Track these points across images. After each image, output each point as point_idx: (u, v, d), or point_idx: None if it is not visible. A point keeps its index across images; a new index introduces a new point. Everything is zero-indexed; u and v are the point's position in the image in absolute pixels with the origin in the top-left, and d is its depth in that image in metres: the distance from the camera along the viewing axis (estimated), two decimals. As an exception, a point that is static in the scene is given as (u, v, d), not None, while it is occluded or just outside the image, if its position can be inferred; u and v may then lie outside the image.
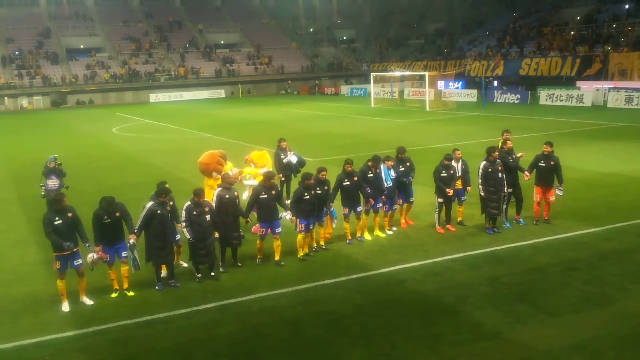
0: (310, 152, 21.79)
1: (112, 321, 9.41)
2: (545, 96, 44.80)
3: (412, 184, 13.50)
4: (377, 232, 13.20)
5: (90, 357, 8.37)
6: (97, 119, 48.35)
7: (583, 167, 18.88)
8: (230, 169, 13.55)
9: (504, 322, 8.71)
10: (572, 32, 55.42)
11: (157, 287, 10.58)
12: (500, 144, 14.41)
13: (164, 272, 10.78)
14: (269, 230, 11.57)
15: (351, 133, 31.74)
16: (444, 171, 13.05)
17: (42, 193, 15.16)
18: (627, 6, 54.77)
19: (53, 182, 15.21)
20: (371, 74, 56.51)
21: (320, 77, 75.53)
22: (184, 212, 10.79)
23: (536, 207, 13.42)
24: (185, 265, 11.48)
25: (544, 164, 13.10)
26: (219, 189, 11.47)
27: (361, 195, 12.68)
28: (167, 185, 11.06)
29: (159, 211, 10.39)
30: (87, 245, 10.06)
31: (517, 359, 7.72)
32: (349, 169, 12.38)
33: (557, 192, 13.25)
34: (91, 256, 10.06)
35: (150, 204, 10.51)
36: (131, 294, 10.38)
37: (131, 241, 10.28)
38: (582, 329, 8.45)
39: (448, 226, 13.40)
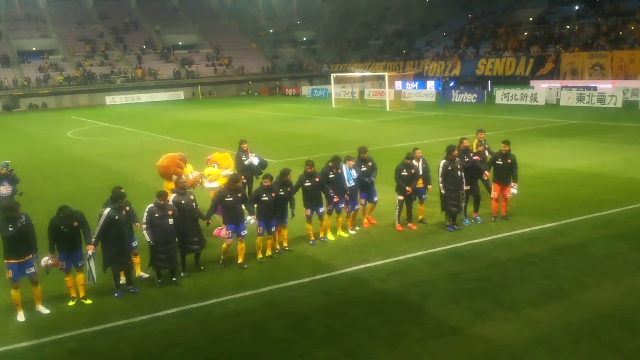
0: (272, 153, 21.70)
1: (70, 330, 9.22)
2: (500, 95, 45.61)
3: (374, 183, 13.57)
4: (340, 232, 13.22)
5: (46, 367, 8.19)
6: (51, 122, 47.30)
7: (538, 164, 19.31)
8: (190, 171, 13.43)
9: (465, 318, 8.83)
10: (525, 33, 56.60)
11: (116, 294, 10.39)
12: (475, 144, 14.67)
13: (122, 279, 10.61)
14: (234, 232, 11.51)
15: (313, 134, 31.78)
16: (404, 170, 13.18)
17: None
18: (577, 7, 56.23)
19: (5, 189, 14.97)
20: (332, 74, 56.66)
21: (281, 78, 75.43)
22: (145, 214, 10.64)
23: (494, 203, 13.63)
24: (146, 275, 11.22)
25: (501, 162, 13.32)
26: (174, 195, 11.31)
27: (323, 196, 12.69)
28: (122, 190, 10.87)
29: (116, 217, 10.23)
30: (34, 256, 9.78)
31: (478, 354, 7.82)
32: (310, 170, 12.40)
33: (512, 190, 13.48)
34: (45, 260, 9.87)
35: (107, 210, 10.29)
36: (89, 301, 10.19)
37: (90, 252, 10.05)
38: (539, 322, 8.59)
39: (409, 224, 13.53)
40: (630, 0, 51.64)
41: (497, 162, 13.38)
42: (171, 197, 11.31)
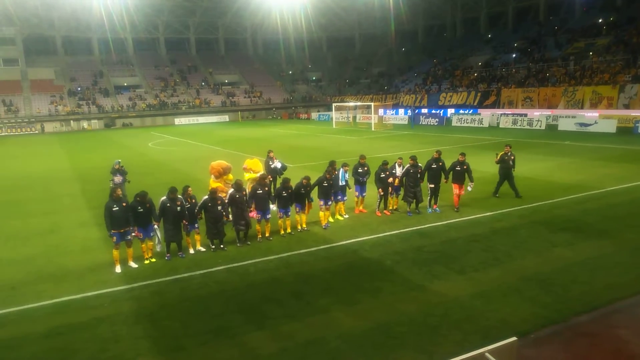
0: (290, 160, 21.83)
1: (151, 279, 9.44)
2: (456, 120, 45.37)
3: (366, 182, 13.55)
4: (337, 216, 13.27)
5: (136, 303, 8.40)
6: (137, 136, 47.68)
7: (481, 169, 19.17)
8: (230, 178, 13.12)
9: (426, 278, 8.91)
10: (475, 74, 56.35)
11: (166, 257, 10.50)
12: (500, 154, 14.75)
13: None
14: (262, 216, 11.60)
15: (319, 146, 31.83)
16: (382, 173, 13.23)
17: (111, 185, 15.22)
18: (514, 55, 55.90)
19: (118, 179, 15.56)
20: (333, 104, 56.49)
21: (297, 106, 75.21)
22: (201, 202, 10.82)
23: (455, 198, 13.55)
24: (203, 249, 11.01)
25: (459, 169, 13.31)
26: (232, 189, 11.38)
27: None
28: (189, 187, 10.99)
29: (168, 204, 10.35)
30: (131, 229, 10.04)
31: (435, 304, 7.91)
32: (329, 176, 12.42)
33: (469, 188, 13.41)
34: (133, 235, 10.08)
35: (162, 199, 10.48)
36: (154, 260, 10.37)
37: (155, 226, 10.30)
38: (480, 282, 8.66)
39: (385, 211, 13.51)
40: (553, 51, 51.33)
41: (456, 168, 13.33)
42: (230, 190, 11.42)
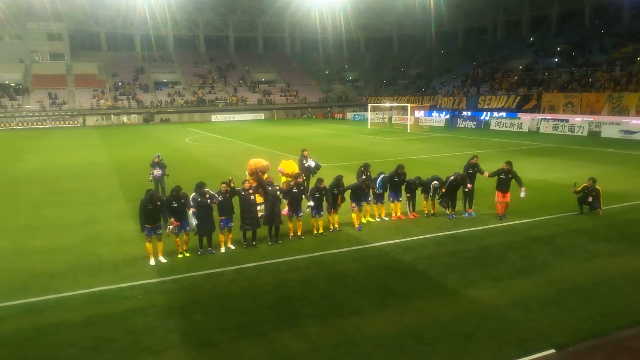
0: (324, 159, 21.81)
1: (183, 273, 9.55)
2: (494, 123, 44.32)
3: (402, 189, 13.21)
4: (369, 218, 13.06)
5: (168, 297, 8.51)
6: (175, 132, 48.77)
7: (521, 175, 18.42)
8: (265, 177, 13.17)
9: (460, 284, 8.67)
10: (515, 77, 54.86)
11: (199, 252, 10.58)
12: (584, 185, 13.38)
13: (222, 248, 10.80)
14: (294, 213, 11.59)
15: (353, 146, 31.69)
16: (413, 185, 13.13)
17: (150, 179, 15.58)
18: (556, 59, 54.11)
19: (157, 172, 15.88)
20: (369, 104, 56.21)
21: (332, 106, 75.25)
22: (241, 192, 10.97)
23: (498, 205, 13.08)
24: (233, 247, 10.96)
25: (504, 177, 12.79)
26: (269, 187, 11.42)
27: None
28: (230, 180, 11.01)
29: (199, 199, 10.44)
30: (166, 224, 10.19)
31: (470, 311, 7.68)
32: (365, 187, 12.31)
33: (522, 194, 12.79)
34: (171, 228, 10.15)
35: (192, 195, 10.56)
36: (187, 254, 10.46)
37: (190, 212, 10.28)
38: (517, 290, 8.37)
39: (414, 213, 13.26)
40: (598, 56, 49.34)
41: (501, 176, 12.83)
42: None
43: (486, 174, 13.16)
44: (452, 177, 12.96)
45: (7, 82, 65.11)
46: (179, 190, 10.30)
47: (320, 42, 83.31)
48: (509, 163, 12.94)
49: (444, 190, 12.95)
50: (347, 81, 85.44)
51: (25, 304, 8.30)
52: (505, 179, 12.80)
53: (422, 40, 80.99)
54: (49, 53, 70.33)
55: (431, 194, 13.11)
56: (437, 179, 13.01)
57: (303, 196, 11.73)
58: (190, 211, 10.34)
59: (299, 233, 11.70)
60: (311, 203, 11.67)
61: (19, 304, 8.32)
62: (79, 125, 61.84)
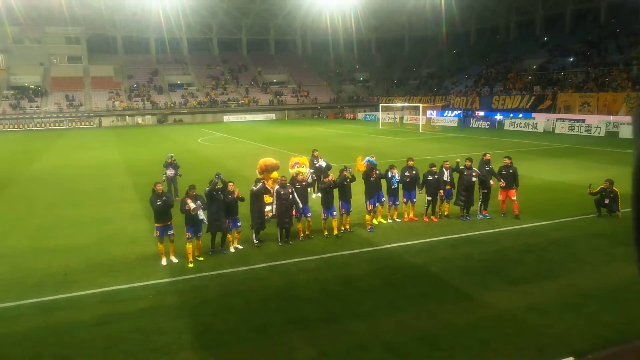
0: (334, 159, 21.64)
1: (194, 273, 9.50)
2: (508, 123, 43.67)
3: (415, 188, 12.88)
4: (380, 219, 12.88)
5: (179, 296, 8.46)
6: (187, 133, 49.05)
7: (536, 176, 18.32)
8: (276, 176, 12.84)
9: (475, 288, 8.45)
10: (530, 77, 54.02)
11: (210, 252, 10.48)
12: (600, 187, 12.91)
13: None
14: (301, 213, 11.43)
15: (364, 147, 31.44)
16: (429, 176, 12.73)
17: (163, 179, 15.59)
18: (571, 59, 53.17)
19: (170, 172, 15.85)
20: (380, 104, 55.83)
21: (343, 106, 74.94)
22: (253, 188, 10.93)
23: (502, 204, 12.98)
24: (241, 247, 10.94)
25: (505, 173, 12.68)
26: (278, 186, 11.30)
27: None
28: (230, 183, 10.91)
29: (213, 193, 10.33)
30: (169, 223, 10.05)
31: (485, 315, 7.46)
32: (374, 174, 12.17)
33: (491, 182, 12.65)
34: (195, 206, 9.89)
35: (206, 189, 10.43)
36: (201, 259, 10.28)
37: (198, 203, 10.00)
38: (533, 294, 8.12)
39: (432, 217, 12.94)
40: (614, 55, 48.37)
41: (502, 172, 12.71)
42: (276, 187, 11.37)
43: (492, 182, 12.87)
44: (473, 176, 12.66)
45: (26, 84, 66.19)
46: (193, 189, 10.14)
47: (331, 43, 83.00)
48: (508, 157, 12.79)
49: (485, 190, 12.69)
50: (358, 81, 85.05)
51: (40, 303, 8.31)
52: (507, 175, 12.59)
53: (433, 40, 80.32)
54: (67, 56, 71.41)
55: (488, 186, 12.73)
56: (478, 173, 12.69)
57: (310, 189, 11.53)
58: (198, 203, 9.98)
59: (307, 232, 11.57)
60: (314, 196, 11.53)
61: (34, 302, 8.33)
62: (94, 126, 62.58)
